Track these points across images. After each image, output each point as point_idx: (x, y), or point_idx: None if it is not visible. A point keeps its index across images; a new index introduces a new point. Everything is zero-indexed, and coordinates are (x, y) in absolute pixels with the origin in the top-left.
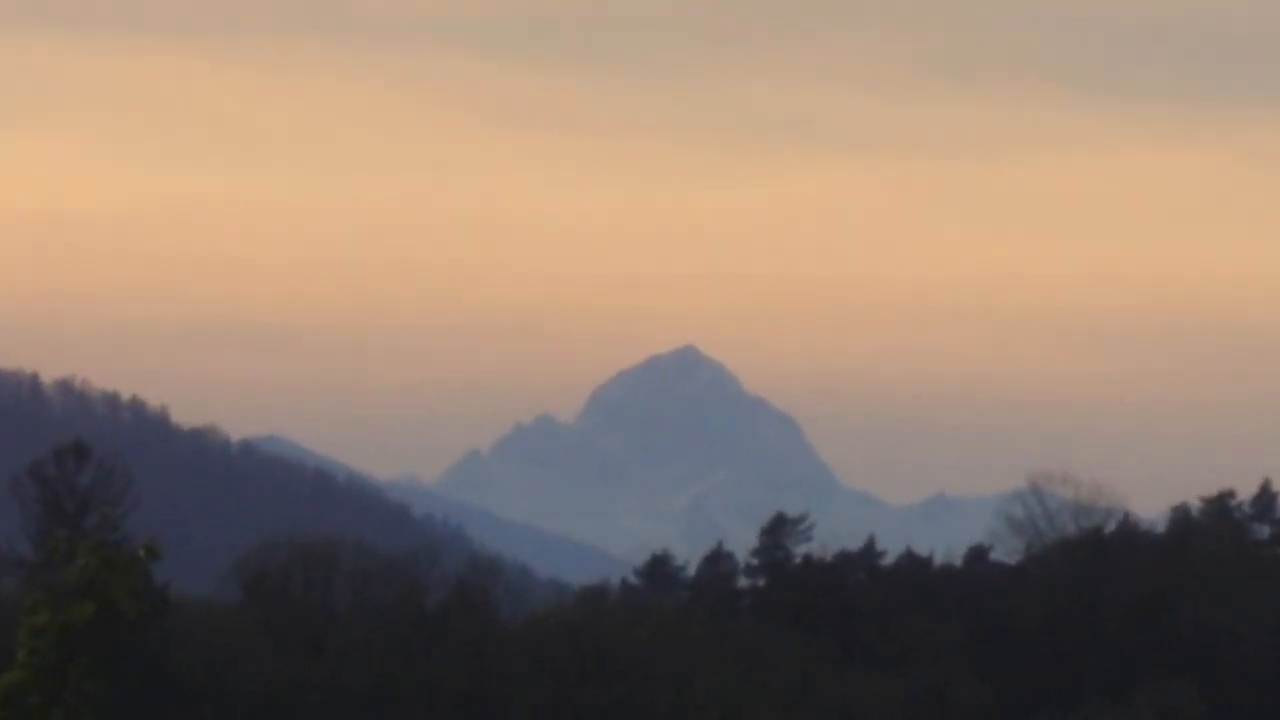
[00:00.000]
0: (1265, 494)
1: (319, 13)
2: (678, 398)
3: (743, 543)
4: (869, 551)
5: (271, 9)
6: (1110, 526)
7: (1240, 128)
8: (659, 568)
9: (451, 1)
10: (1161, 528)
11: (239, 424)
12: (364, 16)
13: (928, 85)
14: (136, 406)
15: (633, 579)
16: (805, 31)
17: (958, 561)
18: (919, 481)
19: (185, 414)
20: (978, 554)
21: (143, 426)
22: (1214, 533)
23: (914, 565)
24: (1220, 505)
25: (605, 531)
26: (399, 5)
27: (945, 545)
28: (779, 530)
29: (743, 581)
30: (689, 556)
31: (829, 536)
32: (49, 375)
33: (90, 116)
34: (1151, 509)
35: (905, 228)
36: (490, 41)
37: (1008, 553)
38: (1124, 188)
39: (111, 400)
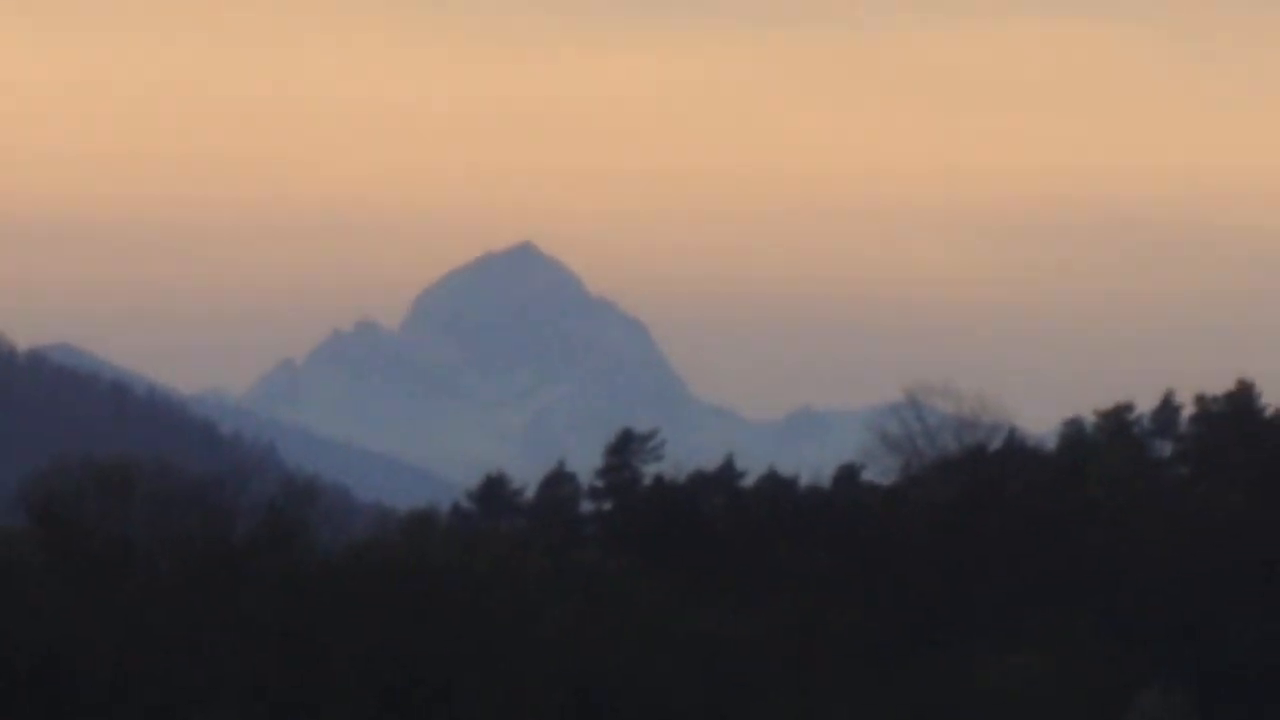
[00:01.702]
0: (1167, 407)
1: None
2: (513, 301)
3: (589, 462)
4: (727, 472)
5: None
6: (995, 444)
7: None
8: (494, 491)
9: None
10: (1052, 445)
11: (24, 330)
12: None
13: None
14: None
15: (465, 504)
16: None
17: (826, 483)
18: (782, 394)
19: None
20: (848, 474)
21: None
22: (1110, 450)
23: (777, 487)
24: (1117, 420)
25: (434, 450)
26: None
27: (812, 465)
28: (626, 448)
29: (587, 506)
30: (529, 478)
31: (682, 455)
32: None
33: None
34: (1041, 424)
35: (766, 111)
36: None
37: (881, 473)
38: (1015, 63)
39: None
